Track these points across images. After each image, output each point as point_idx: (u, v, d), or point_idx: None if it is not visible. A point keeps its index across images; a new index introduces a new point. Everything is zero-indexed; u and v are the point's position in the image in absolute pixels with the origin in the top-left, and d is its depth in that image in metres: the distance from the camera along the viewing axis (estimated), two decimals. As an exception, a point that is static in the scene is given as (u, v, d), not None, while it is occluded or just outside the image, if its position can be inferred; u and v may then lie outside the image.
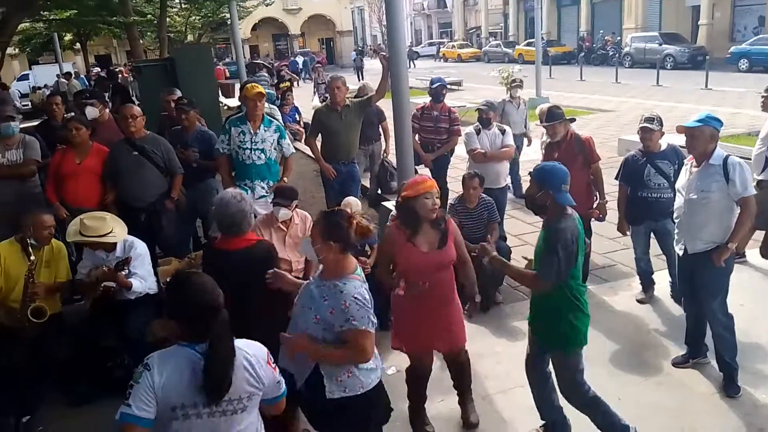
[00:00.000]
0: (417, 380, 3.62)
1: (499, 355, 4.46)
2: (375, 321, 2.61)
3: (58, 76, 22.12)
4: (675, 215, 4.07)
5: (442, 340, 3.56)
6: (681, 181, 4.03)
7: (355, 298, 2.57)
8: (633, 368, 4.24)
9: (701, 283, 3.92)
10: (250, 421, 2.24)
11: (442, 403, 3.93)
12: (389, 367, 4.31)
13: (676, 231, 4.10)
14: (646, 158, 4.82)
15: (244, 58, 16.31)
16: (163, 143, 5.43)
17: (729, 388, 3.89)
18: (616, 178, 5.10)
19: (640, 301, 5.18)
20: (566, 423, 3.47)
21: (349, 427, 2.78)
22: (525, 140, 8.41)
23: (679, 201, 4.02)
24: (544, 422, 3.55)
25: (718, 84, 17.05)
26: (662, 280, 5.25)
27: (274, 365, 2.27)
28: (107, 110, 6.68)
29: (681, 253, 4.02)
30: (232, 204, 3.38)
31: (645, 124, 4.78)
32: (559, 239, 3.03)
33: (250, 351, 2.19)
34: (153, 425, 2.04)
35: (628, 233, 5.14)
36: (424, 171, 6.88)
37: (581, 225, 3.18)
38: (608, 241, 6.40)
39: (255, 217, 5.47)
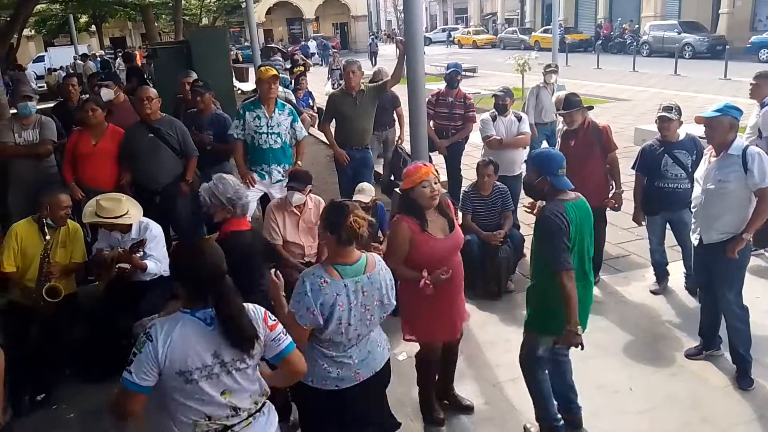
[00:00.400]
0: (428, 366, 3.61)
1: (509, 343, 4.43)
2: (302, 315, 2.54)
3: (75, 57, 22.22)
4: (693, 205, 4.03)
5: (455, 326, 3.56)
6: (700, 171, 3.98)
7: (299, 280, 2.60)
8: (646, 359, 4.22)
9: (716, 274, 3.89)
10: (255, 378, 2.33)
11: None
12: (400, 353, 4.32)
13: (693, 221, 4.05)
14: (663, 148, 4.76)
15: (258, 42, 16.30)
16: (178, 125, 5.44)
17: (742, 380, 3.86)
18: (632, 168, 5.04)
19: (653, 292, 5.14)
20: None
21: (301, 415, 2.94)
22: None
23: (696, 191, 3.98)
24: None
25: (737, 74, 16.73)
26: (676, 271, 5.20)
27: (271, 323, 2.31)
28: (122, 92, 6.70)
29: (697, 243, 3.98)
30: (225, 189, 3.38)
31: (663, 113, 4.72)
32: (545, 227, 3.07)
33: (248, 308, 2.28)
34: (153, 391, 2.15)
35: (643, 223, 5.10)
36: (439, 158, 6.85)
37: (586, 209, 3.16)
38: (622, 231, 6.34)
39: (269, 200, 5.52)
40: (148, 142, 5.27)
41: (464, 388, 3.93)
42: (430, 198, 3.22)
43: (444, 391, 3.81)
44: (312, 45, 35.79)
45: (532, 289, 3.34)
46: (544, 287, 3.18)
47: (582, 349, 3.09)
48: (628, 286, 5.33)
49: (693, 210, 4.02)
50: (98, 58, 22.13)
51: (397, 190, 6.43)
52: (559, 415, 3.41)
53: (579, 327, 3.07)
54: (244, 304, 2.27)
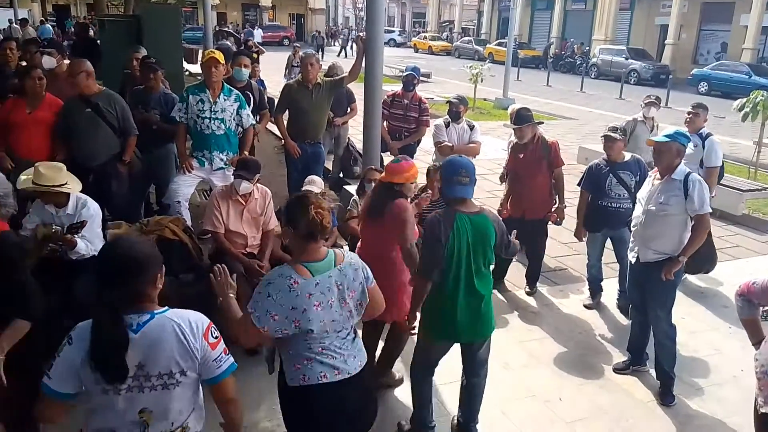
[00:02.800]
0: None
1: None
2: (260, 317, 2.34)
3: (10, 21, 21.02)
4: (632, 224, 4.16)
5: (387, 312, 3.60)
6: (643, 192, 4.12)
7: (263, 280, 2.44)
8: (576, 370, 4.33)
9: (650, 292, 4.04)
10: (186, 398, 2.06)
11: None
12: None
13: (631, 239, 4.19)
14: (609, 168, 4.91)
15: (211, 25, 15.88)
16: (118, 101, 5.21)
17: (665, 396, 4.02)
18: (578, 185, 5.18)
19: (587, 306, 5.30)
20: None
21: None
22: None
23: (638, 210, 4.11)
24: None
25: (677, 104, 17.49)
26: (611, 288, 5.38)
27: (213, 340, 2.06)
28: (65, 61, 6.38)
29: (634, 261, 4.12)
30: None
31: (608, 134, 4.87)
32: (426, 231, 3.13)
33: (184, 322, 2.01)
34: (77, 398, 1.96)
35: (584, 239, 5.24)
36: (389, 158, 6.84)
37: (484, 225, 3.13)
38: (561, 246, 6.51)
39: (210, 189, 5.37)
40: (86, 117, 5.02)
41: (399, 390, 3.95)
42: (412, 194, 3.55)
43: (381, 369, 3.92)
44: (257, 34, 33.74)
45: None
46: (430, 293, 3.24)
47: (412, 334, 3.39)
48: (564, 298, 5.47)
49: (632, 228, 4.16)
50: (47, 25, 21.03)
51: (347, 188, 6.41)
52: (433, 421, 3.49)
53: (414, 326, 3.36)
54: (180, 316, 2.01)
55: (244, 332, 2.41)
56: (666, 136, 3.85)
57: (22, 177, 3.96)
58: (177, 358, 1.98)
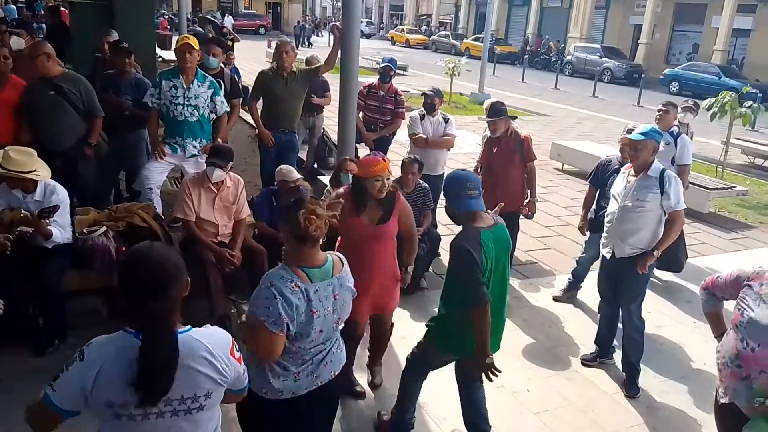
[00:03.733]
0: (350, 340, 3.64)
1: (419, 338, 4.49)
2: (275, 322, 2.22)
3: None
4: (607, 220, 4.21)
5: (372, 305, 3.64)
6: (617, 188, 4.16)
7: (263, 284, 2.29)
8: (545, 362, 4.39)
9: (624, 287, 4.11)
10: (209, 420, 1.94)
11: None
12: None
13: (604, 235, 4.25)
14: (617, 168, 4.82)
15: (186, 10, 15.60)
16: (83, 83, 5.10)
17: (630, 388, 4.11)
18: (587, 179, 5.24)
19: (556, 299, 5.37)
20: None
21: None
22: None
23: (612, 207, 4.16)
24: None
25: (649, 102, 17.81)
26: (588, 283, 5.43)
27: (238, 355, 1.95)
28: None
29: (609, 256, 4.17)
30: None
31: (625, 135, 4.81)
32: (458, 258, 2.91)
33: (211, 342, 1.86)
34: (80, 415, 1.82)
35: (587, 234, 5.27)
36: (365, 150, 6.83)
37: (504, 236, 3.03)
38: (532, 240, 6.58)
39: (182, 175, 5.30)
40: (50, 100, 4.91)
41: (359, 377, 3.98)
42: (378, 191, 3.38)
43: (370, 363, 4.02)
44: (228, 22, 31.42)
45: (442, 306, 3.24)
46: (453, 312, 3.11)
47: (496, 376, 2.93)
48: (534, 292, 5.54)
49: (607, 225, 4.21)
50: (11, 5, 20.39)
51: (321, 179, 6.38)
52: (413, 417, 3.49)
53: (491, 356, 2.94)
54: (208, 336, 1.86)
55: (265, 350, 2.28)
56: (641, 133, 3.90)
57: (-9, 160, 3.85)
58: (203, 380, 1.84)
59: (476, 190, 2.94)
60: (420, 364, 3.38)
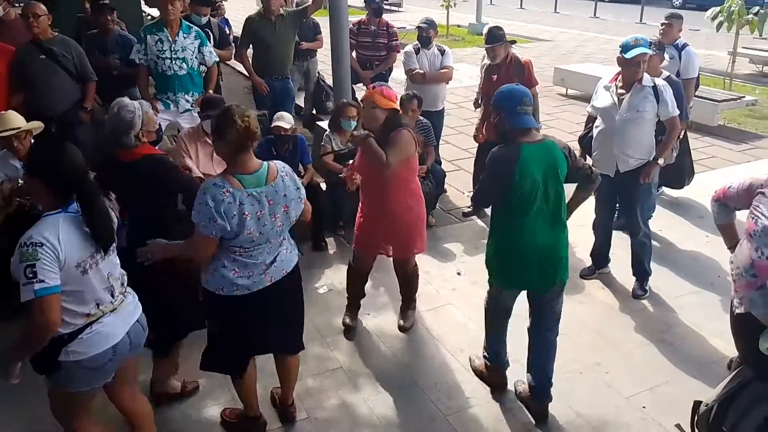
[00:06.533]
0: (352, 271, 3.84)
1: (429, 275, 4.50)
2: (205, 225, 2.45)
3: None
4: (594, 137, 4.19)
5: (376, 246, 3.68)
6: (605, 102, 4.09)
7: (200, 191, 2.50)
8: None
9: (632, 198, 4.16)
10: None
11: (369, 316, 4.04)
12: (321, 286, 4.40)
13: (594, 152, 4.21)
14: None
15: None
16: (73, 46, 4.98)
17: (639, 289, 4.29)
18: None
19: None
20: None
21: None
22: None
23: (604, 122, 4.10)
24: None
25: (652, 18, 17.21)
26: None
27: None
28: (13, 8, 6.03)
29: (613, 174, 4.11)
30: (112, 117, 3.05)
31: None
32: (488, 164, 2.95)
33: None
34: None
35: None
36: (362, 91, 6.68)
37: (550, 152, 2.89)
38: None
39: (179, 131, 5.21)
40: (41, 64, 4.79)
41: (386, 318, 4.00)
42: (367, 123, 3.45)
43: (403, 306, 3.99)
44: None
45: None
46: (490, 229, 3.12)
47: None
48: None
49: (595, 142, 4.18)
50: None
51: (321, 124, 6.26)
52: (506, 358, 3.34)
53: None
54: None
55: (197, 250, 2.56)
56: (644, 46, 3.89)
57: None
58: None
59: (531, 106, 2.94)
60: (493, 309, 3.26)
